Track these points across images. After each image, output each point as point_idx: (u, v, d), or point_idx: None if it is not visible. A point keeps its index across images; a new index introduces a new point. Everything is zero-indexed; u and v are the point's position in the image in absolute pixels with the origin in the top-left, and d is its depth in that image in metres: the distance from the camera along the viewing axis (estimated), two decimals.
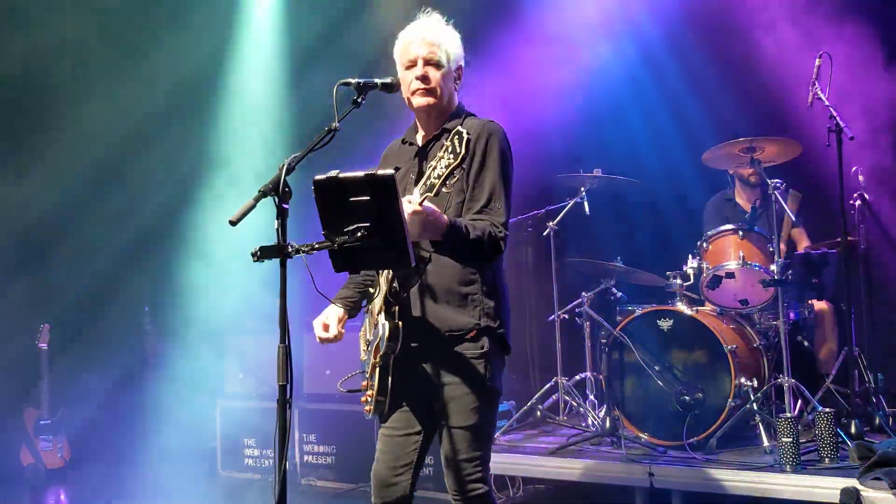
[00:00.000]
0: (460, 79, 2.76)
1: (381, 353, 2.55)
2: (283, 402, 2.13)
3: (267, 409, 5.74)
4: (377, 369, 2.60)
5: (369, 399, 2.66)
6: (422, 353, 2.61)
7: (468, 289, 2.61)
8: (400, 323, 2.54)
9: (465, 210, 2.58)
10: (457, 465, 2.59)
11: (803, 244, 5.09)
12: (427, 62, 2.65)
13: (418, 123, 2.79)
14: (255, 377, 5.96)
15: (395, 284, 2.56)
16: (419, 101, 2.66)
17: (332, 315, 2.71)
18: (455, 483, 2.61)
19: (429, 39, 2.66)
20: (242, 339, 6.14)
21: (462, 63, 2.76)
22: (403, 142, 2.84)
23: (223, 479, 5.93)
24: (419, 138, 2.78)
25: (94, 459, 5.69)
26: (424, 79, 2.65)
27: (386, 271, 2.60)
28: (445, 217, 2.38)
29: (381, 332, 2.55)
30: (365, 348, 2.76)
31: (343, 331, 2.72)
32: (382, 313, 2.57)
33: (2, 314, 6.06)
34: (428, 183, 2.29)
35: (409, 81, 2.67)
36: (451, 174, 2.25)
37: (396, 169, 2.74)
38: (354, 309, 2.79)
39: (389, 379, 2.59)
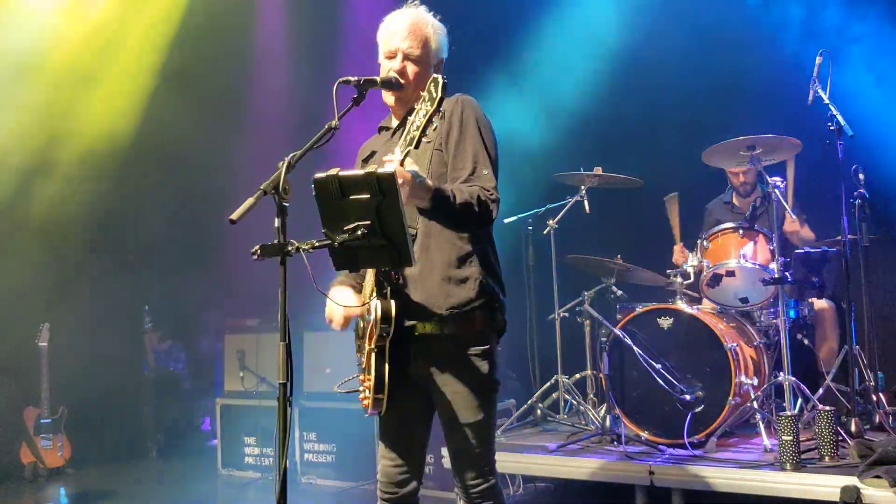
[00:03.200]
0: (439, 70, 2.73)
1: (375, 337, 2.48)
2: (284, 401, 2.13)
3: (267, 407, 5.75)
4: (373, 356, 2.51)
5: (367, 392, 2.56)
6: (422, 341, 2.57)
7: (465, 265, 2.57)
8: (393, 303, 2.48)
9: (451, 180, 2.54)
10: (465, 460, 2.59)
11: (805, 232, 5.09)
12: (406, 56, 2.65)
13: (392, 113, 2.79)
14: (256, 375, 5.97)
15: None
16: (387, 95, 2.68)
17: (346, 293, 2.66)
18: (463, 478, 2.60)
19: (411, 33, 2.65)
20: (242, 337, 6.15)
21: (444, 56, 2.74)
22: (380, 130, 2.84)
23: (223, 477, 5.93)
24: (394, 123, 2.78)
25: (95, 458, 5.69)
26: (402, 73, 2.65)
27: None
28: (430, 181, 2.35)
29: (373, 314, 2.48)
30: (358, 339, 2.69)
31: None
32: (374, 294, 2.51)
33: (4, 313, 6.05)
34: (408, 138, 2.25)
35: (386, 70, 2.67)
36: (429, 121, 2.22)
37: (373, 153, 2.75)
38: (356, 287, 2.73)
39: (386, 367, 2.50)
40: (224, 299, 7.04)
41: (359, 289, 2.72)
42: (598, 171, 5.10)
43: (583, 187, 5.15)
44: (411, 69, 2.65)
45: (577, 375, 5.20)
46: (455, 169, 2.56)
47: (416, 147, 2.26)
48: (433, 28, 2.70)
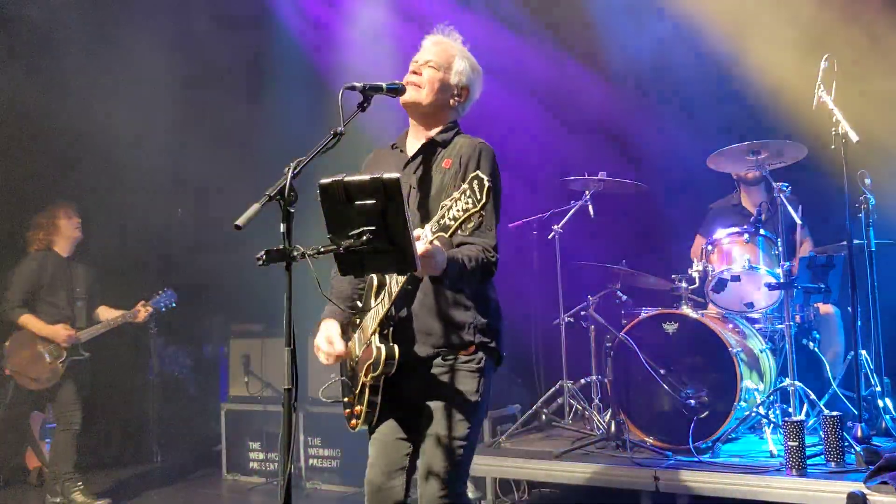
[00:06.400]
0: (463, 99, 2.79)
1: (374, 374, 2.54)
2: (289, 406, 2.13)
3: (272, 412, 5.75)
4: (367, 388, 2.60)
5: (356, 414, 2.66)
6: (414, 367, 2.61)
7: (461, 307, 2.62)
8: (395, 347, 2.54)
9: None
10: (438, 479, 2.57)
11: (806, 248, 5.09)
12: (426, 63, 2.73)
13: (411, 129, 2.82)
14: (261, 380, 5.98)
15: (392, 308, 2.54)
16: (405, 95, 2.71)
17: (333, 331, 2.69)
18: (435, 496, 2.57)
19: (436, 48, 2.76)
20: (248, 342, 6.16)
21: (469, 86, 2.80)
22: (393, 147, 2.85)
23: (228, 482, 5.93)
24: (409, 146, 2.79)
25: (99, 462, 5.69)
26: (415, 74, 2.72)
27: (376, 290, 2.59)
28: (445, 254, 2.39)
29: (375, 355, 2.54)
30: (352, 363, 2.75)
31: (346, 347, 2.71)
32: (376, 336, 2.56)
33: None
34: (442, 223, 2.23)
35: (408, 73, 2.75)
36: (468, 219, 2.17)
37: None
38: (346, 324, 2.78)
39: (379, 397, 2.60)
40: (229, 304, 7.04)
41: (347, 324, 2.76)
42: (603, 175, 5.10)
43: (587, 192, 5.16)
44: (427, 73, 2.72)
45: (582, 381, 5.19)
46: None
47: (449, 237, 2.25)
48: (461, 54, 2.79)
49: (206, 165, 6.57)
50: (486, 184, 2.12)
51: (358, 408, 2.64)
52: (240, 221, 2.12)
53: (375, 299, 2.60)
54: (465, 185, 2.17)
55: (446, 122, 2.77)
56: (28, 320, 5.20)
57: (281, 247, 2.15)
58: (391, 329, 2.57)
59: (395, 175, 2.18)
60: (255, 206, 2.15)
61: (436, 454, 2.57)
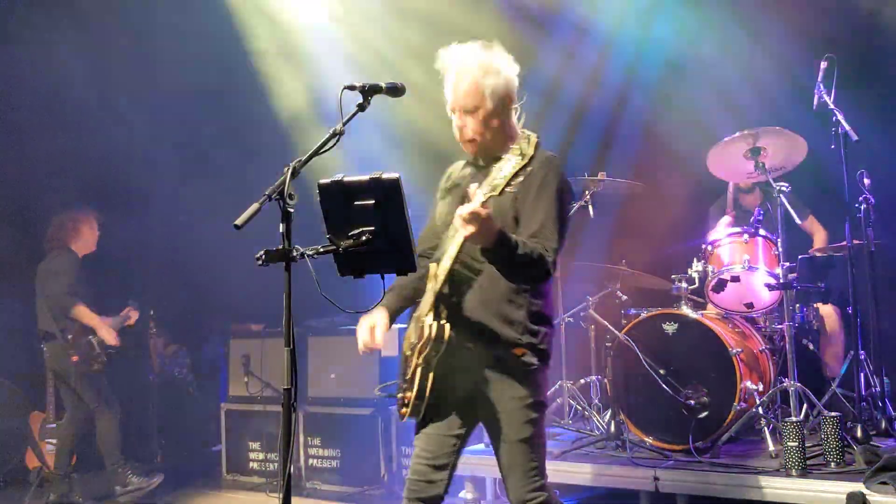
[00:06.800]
0: (511, 101, 2.71)
1: (425, 353, 2.55)
2: (288, 406, 2.13)
3: (272, 412, 5.75)
4: (419, 370, 2.59)
5: (406, 402, 2.65)
6: (467, 361, 2.62)
7: (514, 304, 2.63)
8: (447, 324, 2.54)
9: (517, 234, 2.58)
10: (517, 477, 2.64)
11: (820, 234, 5.08)
12: (464, 111, 2.66)
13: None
14: (260, 380, 5.97)
15: (447, 289, 2.56)
16: (465, 147, 2.74)
17: (380, 321, 2.69)
18: (516, 494, 2.66)
19: (463, 87, 2.64)
20: (248, 342, 6.16)
21: (510, 89, 2.70)
22: (466, 164, 2.86)
23: (228, 482, 5.93)
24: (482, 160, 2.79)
25: (99, 463, 5.69)
26: (462, 130, 2.69)
27: (437, 276, 2.60)
28: (498, 225, 2.40)
29: (426, 333, 2.55)
30: (409, 351, 2.74)
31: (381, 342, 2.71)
32: (430, 314, 2.57)
33: (8, 317, 6.07)
34: (493, 184, 2.30)
35: (454, 124, 2.72)
36: (516, 175, 2.27)
37: (456, 185, 2.78)
38: (396, 314, 2.78)
39: (430, 380, 2.58)
40: (229, 304, 7.04)
41: (397, 313, 2.77)
42: (602, 176, 5.10)
43: (587, 192, 5.15)
44: (471, 124, 2.66)
45: (582, 381, 5.19)
46: (524, 224, 2.61)
47: (500, 195, 2.33)
48: (483, 72, 2.64)
49: (208, 164, 6.58)
50: (534, 140, 2.25)
51: (409, 394, 2.63)
52: (238, 221, 2.11)
53: (431, 283, 2.63)
54: (516, 145, 2.27)
55: (508, 136, 2.70)
56: (82, 311, 5.43)
57: (280, 247, 2.15)
58: (446, 311, 2.57)
59: (394, 175, 2.19)
60: (254, 206, 2.15)
61: (510, 458, 2.65)
